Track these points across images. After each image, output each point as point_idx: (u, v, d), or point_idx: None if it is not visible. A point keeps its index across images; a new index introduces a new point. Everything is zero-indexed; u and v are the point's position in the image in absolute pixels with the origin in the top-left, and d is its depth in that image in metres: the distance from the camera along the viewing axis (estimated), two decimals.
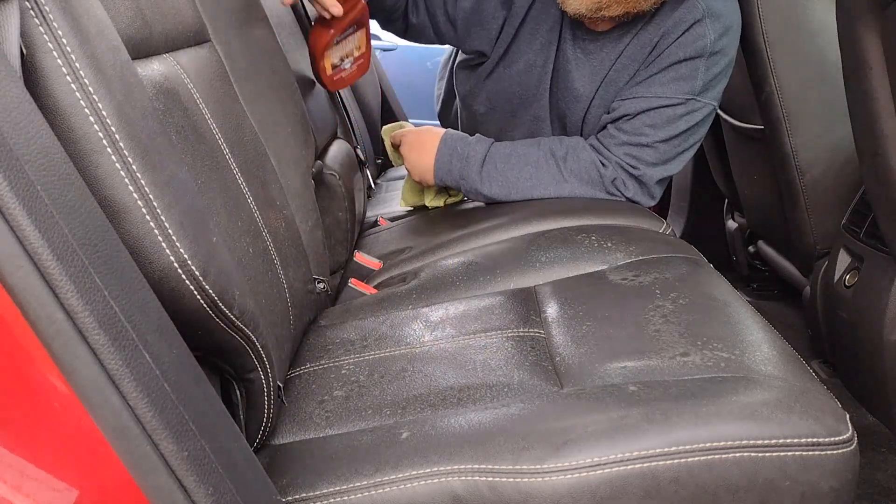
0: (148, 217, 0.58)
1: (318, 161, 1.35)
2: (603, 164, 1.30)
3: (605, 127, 1.33)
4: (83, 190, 0.50)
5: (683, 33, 1.25)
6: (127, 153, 0.57)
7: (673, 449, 0.65)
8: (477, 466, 0.66)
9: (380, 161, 2.22)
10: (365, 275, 1.27)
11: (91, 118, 0.56)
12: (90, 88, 0.56)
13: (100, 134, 0.56)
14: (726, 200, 1.87)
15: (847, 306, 1.20)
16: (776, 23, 1.28)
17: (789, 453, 0.65)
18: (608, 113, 1.33)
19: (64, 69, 0.55)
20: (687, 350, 0.77)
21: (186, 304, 0.61)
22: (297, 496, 0.68)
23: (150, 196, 0.58)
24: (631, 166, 1.29)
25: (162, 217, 0.59)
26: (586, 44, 1.34)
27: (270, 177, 0.97)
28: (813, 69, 1.29)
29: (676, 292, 0.88)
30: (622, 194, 1.31)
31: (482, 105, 1.49)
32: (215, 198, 0.78)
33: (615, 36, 1.31)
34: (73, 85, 0.55)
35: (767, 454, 0.65)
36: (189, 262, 0.60)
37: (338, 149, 1.52)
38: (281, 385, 0.79)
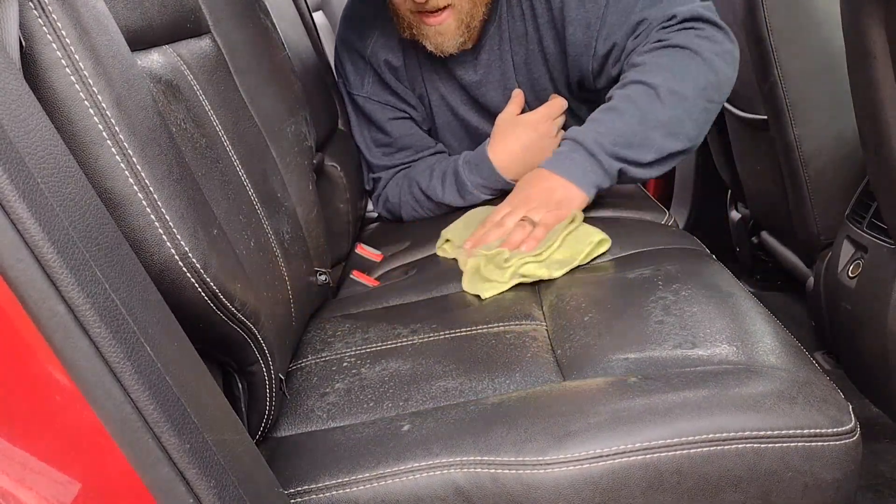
0: (148, 209, 0.58)
1: (320, 153, 1.34)
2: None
3: (621, 56, 1.20)
4: (83, 182, 0.50)
5: None
6: (127, 145, 0.57)
7: (675, 440, 0.65)
8: (479, 458, 0.66)
9: None
10: (367, 267, 1.27)
11: (91, 110, 0.55)
12: (90, 80, 0.56)
13: (99, 126, 0.56)
14: (729, 191, 1.86)
15: (850, 297, 1.20)
16: (780, 12, 1.27)
17: (792, 444, 0.65)
18: (597, 69, 1.24)
19: (63, 61, 0.55)
20: (689, 341, 0.77)
21: (187, 296, 0.61)
22: (299, 488, 0.68)
23: (151, 188, 0.58)
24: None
25: (162, 209, 0.59)
26: (467, 69, 1.33)
27: (271, 169, 0.96)
28: (817, 59, 1.28)
29: (679, 284, 0.88)
30: (712, 40, 1.15)
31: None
32: (216, 190, 0.77)
33: (485, 44, 1.30)
34: (72, 77, 0.55)
35: (770, 445, 0.65)
36: (190, 254, 0.60)
37: (339, 140, 1.52)
38: (283, 377, 0.79)
